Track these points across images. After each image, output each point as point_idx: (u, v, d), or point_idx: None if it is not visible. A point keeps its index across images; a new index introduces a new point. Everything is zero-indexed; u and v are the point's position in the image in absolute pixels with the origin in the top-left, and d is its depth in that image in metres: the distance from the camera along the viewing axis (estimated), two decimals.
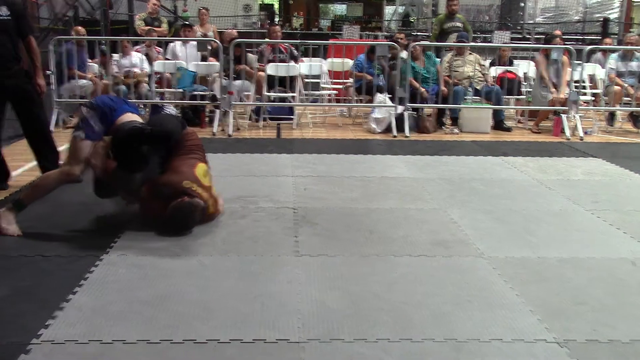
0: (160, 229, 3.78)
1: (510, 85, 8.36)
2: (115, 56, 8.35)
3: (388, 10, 22.20)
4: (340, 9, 28.60)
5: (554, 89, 7.96)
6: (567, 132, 7.64)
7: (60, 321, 2.67)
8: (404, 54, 8.11)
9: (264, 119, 8.13)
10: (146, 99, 8.04)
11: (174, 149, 3.99)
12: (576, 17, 17.06)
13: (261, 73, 8.17)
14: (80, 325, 2.64)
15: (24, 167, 5.39)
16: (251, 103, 8.24)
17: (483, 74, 8.32)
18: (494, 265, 3.41)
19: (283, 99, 8.28)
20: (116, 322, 2.68)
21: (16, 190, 4.71)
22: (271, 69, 8.15)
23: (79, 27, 8.76)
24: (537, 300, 2.99)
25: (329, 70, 9.04)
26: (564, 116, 7.77)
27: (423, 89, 7.88)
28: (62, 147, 5.77)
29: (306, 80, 8.68)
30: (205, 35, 9.61)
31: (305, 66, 8.60)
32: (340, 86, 9.08)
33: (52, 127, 7.18)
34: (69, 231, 3.85)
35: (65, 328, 2.61)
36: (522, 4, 17.27)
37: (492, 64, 8.97)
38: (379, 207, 4.47)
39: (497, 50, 9.21)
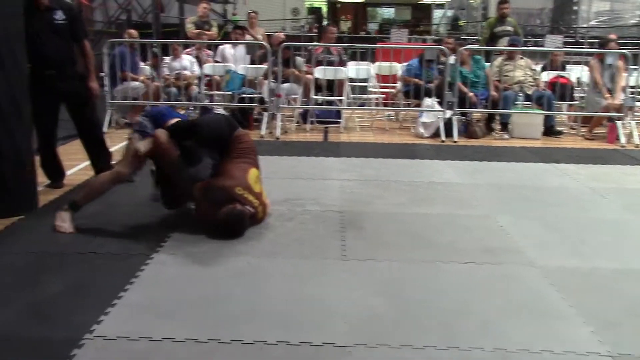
0: (209, 230, 3.83)
1: (562, 90, 8.18)
2: (166, 59, 8.51)
3: (437, 13, 22.02)
4: (388, 12, 28.51)
5: (608, 95, 7.75)
6: (622, 139, 7.42)
7: (112, 318, 2.73)
8: (452, 59, 8.02)
9: (311, 122, 8.16)
10: (196, 101, 8.17)
11: (225, 151, 4.05)
12: (632, 21, 16.58)
13: (309, 76, 8.21)
14: (131, 322, 2.70)
15: (78, 167, 5.54)
16: (299, 106, 8.28)
17: (534, 79, 8.16)
18: (545, 274, 3.34)
19: (330, 103, 8.30)
20: (165, 320, 2.72)
21: (70, 189, 4.84)
22: (319, 72, 8.17)
23: (132, 30, 8.96)
24: (589, 311, 2.91)
25: (376, 74, 9.01)
26: (618, 122, 7.55)
27: (472, 94, 7.77)
28: (115, 147, 5.92)
29: (354, 84, 8.68)
30: (254, 38, 9.70)
31: (352, 70, 8.60)
32: (388, 90, 9.05)
33: (105, 128, 7.38)
34: (121, 230, 3.94)
35: (117, 324, 2.67)
36: (576, 8, 16.89)
37: (543, 69, 8.79)
38: (426, 213, 4.43)
39: (549, 55, 9.03)
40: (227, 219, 3.75)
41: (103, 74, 7.89)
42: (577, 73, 8.82)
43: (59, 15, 4.67)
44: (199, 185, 3.87)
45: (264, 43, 8.27)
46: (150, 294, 2.98)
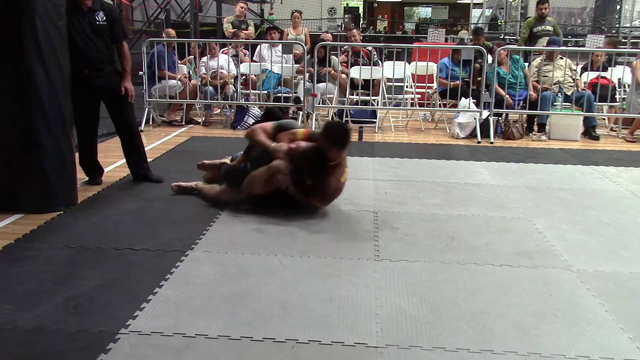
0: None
1: (603, 91, 7.99)
2: (203, 58, 8.60)
3: (475, 13, 21.75)
4: (425, 11, 28.28)
5: None
6: None
7: (147, 313, 2.77)
8: (489, 59, 7.92)
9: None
10: (232, 100, 8.23)
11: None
12: None
13: (344, 76, 8.20)
14: (165, 318, 2.73)
15: (116, 164, 5.63)
16: (334, 106, 8.28)
17: (573, 79, 8.00)
18: (582, 279, 3.28)
19: (366, 102, 8.27)
20: (199, 316, 2.75)
21: (108, 186, 4.93)
22: (354, 72, 8.15)
23: (170, 30, 9.08)
24: (628, 317, 2.84)
25: (412, 74, 8.95)
26: None
27: (507, 96, 7.65)
28: (152, 145, 6.01)
29: (389, 83, 8.63)
30: (297, 38, 9.74)
31: (388, 69, 8.56)
32: (424, 90, 8.98)
33: (142, 126, 7.49)
34: (157, 227, 3.99)
35: (152, 320, 2.71)
36: (618, 7, 16.50)
37: (583, 69, 8.62)
38: (461, 214, 4.39)
39: (590, 55, 8.85)
40: (331, 127, 4.10)
41: (141, 72, 8.01)
42: (618, 74, 8.60)
43: (100, 16, 4.76)
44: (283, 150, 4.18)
45: (301, 43, 8.29)
46: (184, 291, 3.02)
